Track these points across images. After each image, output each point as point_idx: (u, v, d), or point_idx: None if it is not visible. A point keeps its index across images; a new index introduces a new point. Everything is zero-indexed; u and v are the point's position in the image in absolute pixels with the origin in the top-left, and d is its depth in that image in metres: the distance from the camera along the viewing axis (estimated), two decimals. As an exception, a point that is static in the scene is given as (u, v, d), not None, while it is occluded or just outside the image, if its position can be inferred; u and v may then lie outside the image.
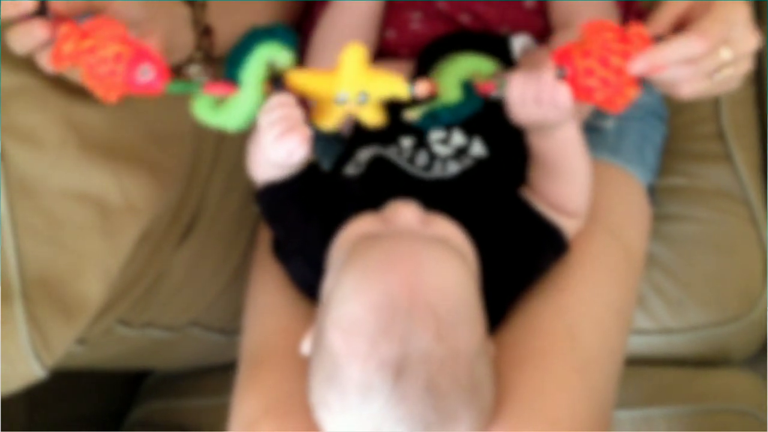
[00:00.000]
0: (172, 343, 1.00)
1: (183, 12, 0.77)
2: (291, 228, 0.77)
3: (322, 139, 0.94)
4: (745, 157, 1.10)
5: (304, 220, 0.75)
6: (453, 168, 0.78)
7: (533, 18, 0.88)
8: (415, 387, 0.61)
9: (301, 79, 0.68)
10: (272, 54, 0.68)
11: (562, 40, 0.85)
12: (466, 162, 0.78)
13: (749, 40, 0.68)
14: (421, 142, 0.79)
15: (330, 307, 0.66)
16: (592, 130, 0.93)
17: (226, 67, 0.69)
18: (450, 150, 0.78)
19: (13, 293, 0.68)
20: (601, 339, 0.77)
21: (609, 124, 0.94)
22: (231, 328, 1.02)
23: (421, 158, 0.78)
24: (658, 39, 0.67)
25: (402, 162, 0.78)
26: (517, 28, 0.87)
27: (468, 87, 0.70)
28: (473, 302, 0.67)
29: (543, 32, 0.88)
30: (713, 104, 1.12)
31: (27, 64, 0.68)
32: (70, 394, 1.15)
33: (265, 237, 0.88)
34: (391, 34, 0.90)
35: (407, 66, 0.87)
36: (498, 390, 0.69)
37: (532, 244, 0.76)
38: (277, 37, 0.68)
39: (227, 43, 0.82)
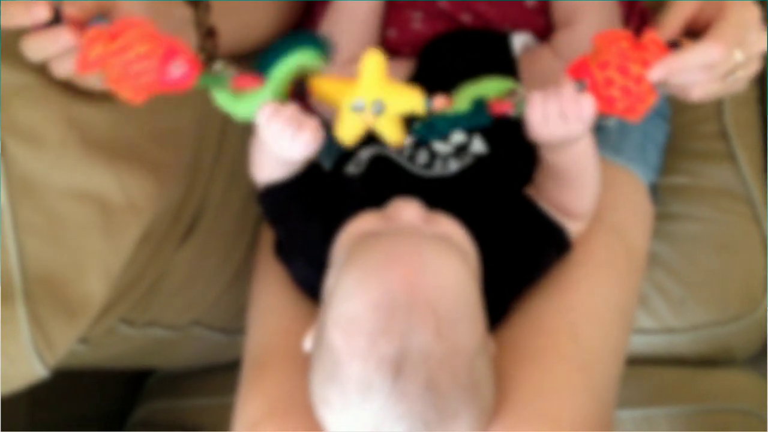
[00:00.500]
0: (174, 342, 1.00)
1: (186, 13, 0.77)
2: (293, 228, 0.77)
3: (324, 138, 0.95)
4: (748, 156, 1.10)
5: (306, 219, 0.76)
6: (454, 166, 0.78)
7: (535, 17, 0.88)
8: (415, 385, 0.61)
9: (322, 85, 0.70)
10: (306, 60, 0.70)
11: (564, 39, 0.85)
12: (467, 160, 0.78)
13: (761, 41, 0.68)
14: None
15: (331, 304, 0.66)
16: (595, 128, 0.93)
17: (260, 58, 0.70)
18: (450, 148, 0.78)
19: (14, 292, 0.67)
20: (602, 338, 0.77)
21: (611, 123, 0.94)
22: (233, 327, 1.02)
23: (422, 156, 0.78)
24: (673, 44, 0.67)
25: (402, 160, 0.78)
26: (519, 26, 0.87)
27: (479, 104, 0.70)
28: (473, 301, 0.67)
29: (544, 31, 0.88)
30: (716, 103, 1.12)
31: (28, 62, 0.68)
32: (72, 394, 1.15)
33: (266, 237, 0.88)
34: (393, 34, 0.90)
35: (408, 65, 0.87)
36: (499, 388, 0.69)
37: (535, 242, 0.76)
38: (316, 45, 0.70)
39: (231, 44, 0.82)
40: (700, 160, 1.11)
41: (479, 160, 0.78)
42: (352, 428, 0.64)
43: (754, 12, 0.67)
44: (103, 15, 0.67)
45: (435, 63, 0.86)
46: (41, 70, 0.69)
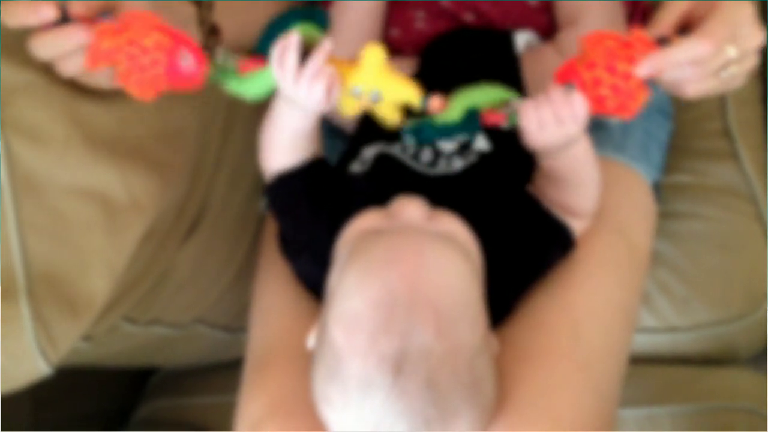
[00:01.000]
0: (177, 340, 1.00)
1: (189, 11, 0.77)
2: (300, 222, 0.77)
3: (327, 137, 0.95)
4: (751, 154, 1.10)
5: (314, 214, 0.76)
6: (458, 164, 0.78)
7: (538, 16, 0.88)
8: (415, 383, 0.61)
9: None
10: (306, 33, 0.69)
11: (567, 37, 0.85)
12: (470, 158, 0.78)
13: (754, 37, 0.68)
14: None
15: (333, 302, 0.66)
16: (597, 127, 0.93)
17: (259, 39, 0.70)
18: (454, 145, 0.78)
19: (18, 290, 0.68)
20: (605, 337, 0.77)
21: (614, 122, 0.94)
22: (236, 325, 1.02)
23: (426, 155, 0.78)
24: (662, 41, 0.67)
25: (407, 158, 0.78)
26: (522, 25, 0.88)
27: (472, 114, 0.71)
28: (475, 299, 0.67)
29: (547, 29, 0.88)
30: (719, 102, 1.12)
31: (31, 60, 0.68)
32: (76, 392, 1.15)
33: (270, 236, 0.88)
34: (396, 33, 0.90)
35: (411, 64, 0.87)
36: (501, 387, 0.69)
37: (538, 240, 0.76)
38: (314, 19, 0.70)
39: (233, 42, 0.82)
40: (703, 158, 1.11)
41: (483, 157, 0.78)
42: (354, 426, 0.64)
43: (746, 8, 0.67)
44: (109, 12, 0.67)
45: (437, 62, 0.86)
46: (45, 68, 0.69)
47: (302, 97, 0.68)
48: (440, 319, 0.62)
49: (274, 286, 0.84)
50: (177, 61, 0.67)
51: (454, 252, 0.67)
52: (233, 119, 0.95)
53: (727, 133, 1.11)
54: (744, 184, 1.09)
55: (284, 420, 0.72)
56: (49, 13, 0.64)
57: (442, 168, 0.78)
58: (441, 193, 0.73)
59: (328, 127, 0.94)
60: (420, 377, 0.61)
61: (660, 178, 0.98)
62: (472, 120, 0.71)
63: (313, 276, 0.76)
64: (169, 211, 0.84)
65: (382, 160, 0.78)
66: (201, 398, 1.17)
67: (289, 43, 0.66)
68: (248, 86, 0.70)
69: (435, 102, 0.70)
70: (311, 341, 0.71)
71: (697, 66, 0.67)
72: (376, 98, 0.69)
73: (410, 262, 0.64)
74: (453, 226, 0.71)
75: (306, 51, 0.69)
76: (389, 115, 0.71)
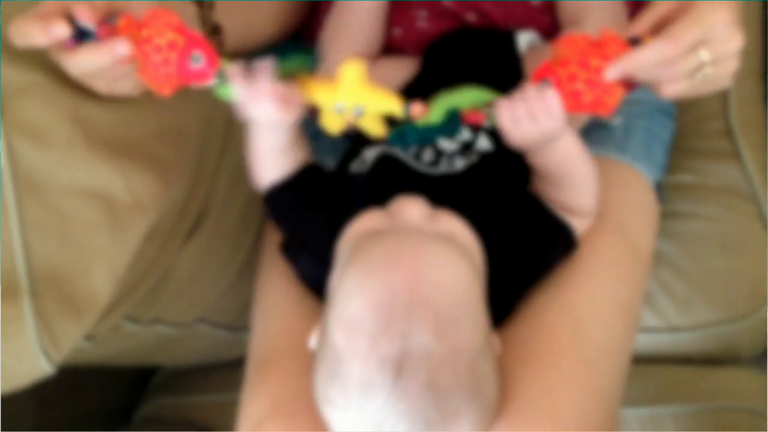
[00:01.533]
0: (179, 339, 1.00)
1: (192, 12, 0.77)
2: (298, 224, 0.78)
3: (328, 138, 0.95)
4: (753, 154, 1.10)
5: (311, 216, 0.76)
6: (459, 164, 0.78)
7: (540, 16, 0.88)
8: (416, 384, 0.61)
9: (306, 88, 0.71)
10: (295, 68, 0.72)
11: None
12: (472, 157, 0.78)
13: (731, 41, 0.68)
14: None
15: (334, 303, 0.66)
16: (600, 127, 0.93)
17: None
18: (456, 145, 0.78)
19: (20, 290, 0.68)
20: (607, 336, 0.77)
21: (616, 122, 0.94)
22: (238, 324, 1.02)
23: (428, 155, 0.78)
24: (634, 41, 0.68)
25: (408, 159, 0.78)
26: (524, 25, 0.87)
27: (453, 115, 0.72)
28: (476, 300, 0.67)
29: (550, 29, 0.88)
30: (722, 101, 1.12)
31: (34, 60, 0.68)
32: (79, 390, 1.16)
33: (271, 235, 0.88)
34: (398, 32, 0.90)
35: (413, 62, 0.87)
36: (503, 387, 0.69)
37: (540, 239, 0.76)
38: (304, 56, 0.74)
39: (235, 42, 0.82)
40: (706, 158, 1.10)
41: (485, 157, 0.78)
42: (355, 426, 0.64)
43: (721, 12, 0.66)
44: (115, 14, 0.68)
45: (439, 61, 0.86)
46: (48, 68, 0.69)
47: (257, 117, 0.70)
48: (440, 320, 0.62)
49: (276, 286, 0.84)
50: (187, 62, 0.68)
51: (454, 252, 0.67)
52: (234, 120, 0.95)
53: (729, 133, 1.11)
54: (746, 184, 1.08)
55: (286, 420, 0.72)
56: (62, 30, 0.63)
57: (443, 168, 0.78)
58: (443, 192, 0.73)
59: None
60: (421, 378, 0.61)
61: (662, 178, 0.98)
62: (452, 121, 0.72)
63: (314, 276, 0.76)
64: (171, 211, 0.84)
65: (384, 160, 0.78)
66: (203, 397, 1.17)
67: (233, 72, 0.69)
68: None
69: (416, 109, 0.71)
70: (313, 342, 0.71)
71: (667, 67, 0.67)
72: (359, 113, 0.71)
73: (410, 264, 0.64)
74: (453, 225, 0.71)
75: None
76: (374, 127, 0.72)
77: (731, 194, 1.08)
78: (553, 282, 0.78)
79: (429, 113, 0.72)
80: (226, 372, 1.06)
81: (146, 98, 0.73)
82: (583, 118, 0.86)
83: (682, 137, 1.08)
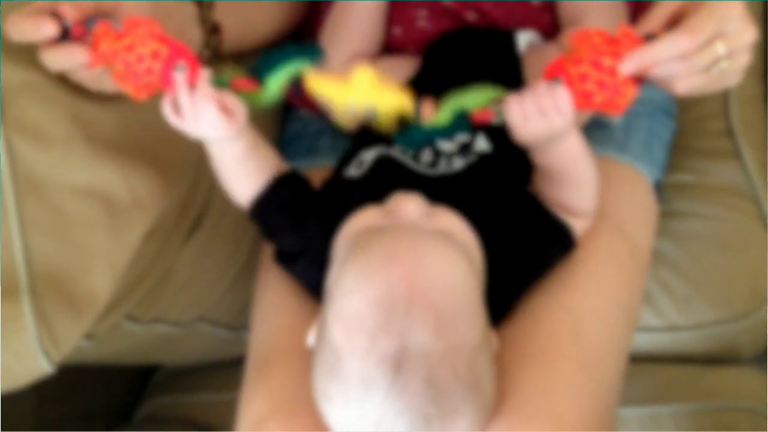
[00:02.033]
0: (179, 338, 1.00)
1: (191, 11, 0.78)
2: (289, 236, 0.77)
3: (330, 137, 0.95)
4: (753, 154, 1.10)
5: (301, 224, 0.76)
6: (458, 164, 0.78)
7: (540, 15, 0.88)
8: (415, 381, 0.62)
9: (318, 84, 0.71)
10: (300, 68, 0.71)
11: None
12: (471, 158, 0.78)
13: (745, 34, 0.67)
14: None
15: (332, 300, 0.66)
16: (600, 126, 0.93)
17: (256, 66, 0.71)
18: (454, 146, 0.78)
19: (20, 289, 0.68)
20: (606, 336, 0.77)
21: (616, 121, 0.94)
22: (238, 323, 1.03)
23: (426, 155, 0.78)
24: (649, 38, 0.67)
25: (407, 160, 0.78)
26: (524, 25, 0.87)
27: (462, 116, 0.71)
28: (474, 297, 0.67)
29: (550, 29, 0.88)
30: (722, 101, 1.12)
31: (34, 60, 0.68)
32: (80, 389, 1.16)
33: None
34: (398, 31, 0.90)
35: (413, 62, 0.87)
36: (501, 386, 0.69)
37: (539, 238, 0.76)
38: (308, 54, 0.71)
39: (235, 41, 0.82)
40: (706, 157, 1.10)
41: (483, 158, 0.78)
42: (354, 423, 0.64)
43: (734, 5, 0.66)
44: (105, 15, 0.68)
45: (439, 61, 0.86)
46: (47, 68, 0.69)
47: (203, 133, 0.70)
48: (439, 317, 0.62)
49: (276, 285, 0.84)
50: (171, 73, 0.67)
51: (452, 250, 0.67)
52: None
53: (729, 133, 1.11)
54: (746, 184, 1.08)
55: (286, 419, 0.72)
56: (50, 30, 0.65)
57: (442, 168, 0.78)
58: (442, 192, 0.73)
59: (331, 129, 0.94)
60: (419, 376, 0.62)
61: (662, 177, 0.98)
62: (462, 120, 0.71)
63: (313, 279, 0.76)
64: (171, 210, 0.84)
65: (383, 162, 0.78)
66: (203, 396, 1.17)
67: (168, 99, 0.68)
68: None
69: (427, 108, 0.71)
70: (311, 339, 0.71)
71: (683, 61, 0.67)
72: (371, 113, 0.70)
73: (408, 261, 0.64)
74: (451, 222, 0.71)
75: (296, 79, 0.71)
76: (384, 123, 0.72)
77: (731, 194, 1.08)
78: (551, 281, 0.78)
79: (438, 114, 0.71)
80: (227, 371, 1.06)
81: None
82: (585, 117, 0.86)
83: (682, 137, 1.08)
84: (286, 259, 0.80)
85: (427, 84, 0.82)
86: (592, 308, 0.77)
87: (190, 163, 0.85)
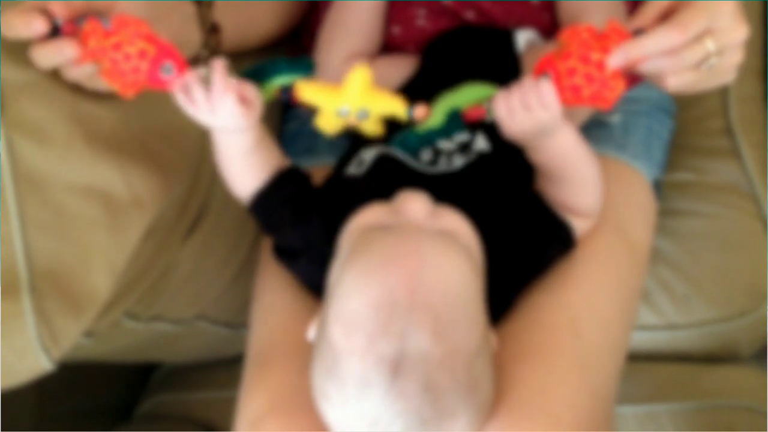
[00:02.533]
0: (179, 336, 1.00)
1: (190, 10, 0.78)
2: (290, 231, 0.77)
3: (327, 137, 0.95)
4: (752, 152, 1.10)
5: (303, 221, 0.76)
6: (458, 162, 0.78)
7: (540, 14, 0.88)
8: (413, 384, 0.61)
9: (308, 91, 0.71)
10: (290, 81, 0.72)
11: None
12: (471, 157, 0.78)
13: (736, 31, 0.67)
14: None
15: (333, 299, 0.66)
16: (599, 125, 0.93)
17: (247, 75, 0.71)
18: (453, 145, 0.78)
19: (20, 287, 0.68)
20: (603, 334, 0.77)
21: (615, 119, 0.94)
22: (238, 321, 1.03)
23: (426, 154, 0.78)
24: (638, 33, 0.67)
25: (407, 158, 0.78)
26: (524, 24, 0.88)
27: (454, 115, 0.72)
28: (476, 301, 0.67)
29: (550, 28, 0.88)
30: (721, 100, 1.12)
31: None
32: (80, 386, 1.16)
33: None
34: (397, 30, 0.90)
35: (412, 61, 0.87)
36: (498, 385, 0.69)
37: (538, 236, 0.76)
38: (300, 69, 0.72)
39: (234, 40, 0.82)
40: (705, 156, 1.10)
41: (482, 156, 0.78)
42: (351, 422, 0.64)
43: (725, 2, 0.66)
44: (99, 14, 0.68)
45: (439, 60, 0.86)
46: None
47: (219, 122, 0.69)
48: (439, 321, 0.62)
49: (276, 283, 0.84)
50: (157, 72, 0.68)
51: (455, 252, 0.67)
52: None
53: (728, 131, 1.11)
54: (745, 182, 1.08)
55: (284, 417, 0.73)
56: (40, 27, 0.66)
57: (442, 166, 0.78)
58: (442, 190, 0.73)
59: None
60: (417, 379, 0.61)
61: (661, 176, 0.98)
62: (455, 120, 0.72)
63: (312, 277, 0.76)
64: (171, 208, 0.84)
65: (383, 160, 0.78)
66: (203, 393, 1.17)
67: (187, 79, 0.68)
68: None
69: (419, 111, 0.72)
70: (311, 334, 0.71)
71: (672, 57, 0.67)
72: (363, 116, 0.71)
73: (411, 263, 0.64)
74: (456, 222, 0.70)
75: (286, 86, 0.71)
76: (373, 129, 0.73)
77: (731, 192, 1.08)
78: (550, 280, 0.78)
79: (431, 116, 0.72)
80: (227, 369, 1.06)
81: (145, 96, 0.73)
82: (583, 115, 0.86)
83: (681, 135, 1.08)
84: (285, 255, 0.80)
85: (426, 83, 0.82)
86: (590, 307, 0.78)
87: (189, 161, 0.86)
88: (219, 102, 0.68)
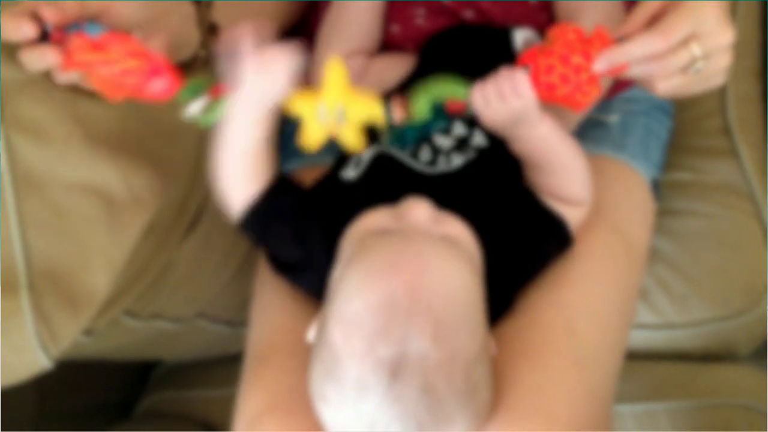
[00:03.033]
0: (178, 334, 1.00)
1: (189, 10, 0.78)
2: (289, 245, 0.76)
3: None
4: (750, 152, 1.10)
5: (303, 235, 0.75)
6: (457, 161, 0.78)
7: (538, 14, 0.88)
8: (411, 388, 0.62)
9: (290, 100, 0.71)
10: None
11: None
12: (469, 154, 0.78)
13: (722, 35, 0.68)
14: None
15: (334, 300, 0.66)
16: (597, 125, 0.93)
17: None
18: (452, 141, 0.79)
19: (19, 285, 0.68)
20: (600, 334, 0.77)
21: (613, 119, 0.94)
22: (237, 319, 1.03)
23: (425, 153, 0.78)
24: (621, 40, 0.68)
25: (406, 158, 0.78)
26: (522, 23, 0.87)
27: (438, 108, 0.73)
28: (476, 306, 0.67)
29: (547, 27, 0.88)
30: (719, 100, 1.12)
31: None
32: (80, 384, 1.17)
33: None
34: (396, 29, 0.90)
35: (410, 59, 0.87)
36: (496, 384, 0.69)
37: (535, 233, 0.76)
38: None
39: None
40: (703, 156, 1.10)
41: (481, 153, 0.78)
42: (348, 424, 0.64)
43: (710, 6, 0.67)
44: (93, 18, 0.68)
45: (436, 58, 0.86)
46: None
47: (268, 78, 0.68)
48: (439, 326, 0.62)
49: (275, 282, 0.84)
50: (146, 86, 0.69)
51: (457, 258, 0.67)
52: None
53: (727, 131, 1.11)
54: (743, 182, 1.08)
55: (283, 415, 0.73)
56: (29, 31, 0.67)
57: (441, 166, 0.78)
58: (441, 192, 0.73)
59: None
60: (416, 383, 0.62)
61: (659, 176, 0.98)
62: (439, 113, 0.73)
63: (314, 287, 0.76)
64: (170, 207, 0.84)
65: (381, 160, 0.78)
66: (203, 391, 1.18)
67: (239, 34, 0.67)
68: (217, 114, 0.71)
69: (397, 111, 0.72)
70: (311, 335, 0.71)
71: (656, 62, 0.68)
72: (341, 117, 0.71)
73: (413, 268, 0.64)
74: (457, 229, 0.71)
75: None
76: (352, 139, 0.72)
77: (729, 192, 1.08)
78: (547, 279, 0.78)
79: (413, 109, 0.72)
80: (227, 366, 1.06)
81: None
82: (578, 117, 0.87)
83: (679, 135, 1.08)
84: (284, 267, 0.79)
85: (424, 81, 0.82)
86: (587, 306, 0.78)
87: (188, 159, 0.86)
88: (273, 58, 0.67)
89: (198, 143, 0.88)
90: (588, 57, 0.69)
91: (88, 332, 0.84)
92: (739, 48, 0.71)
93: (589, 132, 0.90)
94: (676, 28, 0.66)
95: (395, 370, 0.61)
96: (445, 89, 0.72)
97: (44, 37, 0.68)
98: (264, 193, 0.74)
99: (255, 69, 0.67)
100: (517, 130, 0.73)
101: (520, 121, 0.71)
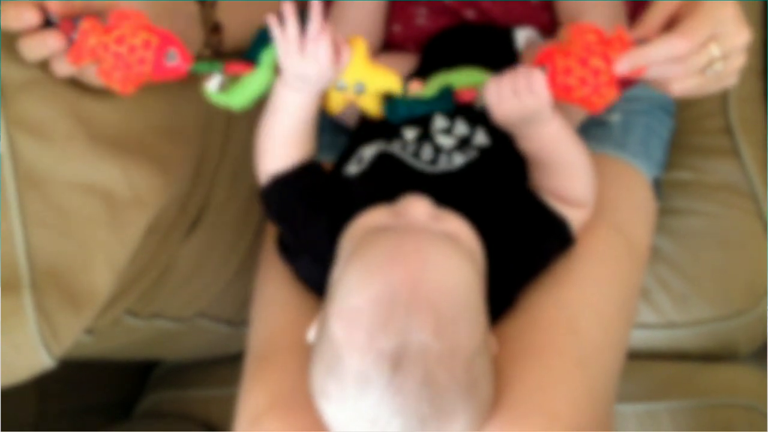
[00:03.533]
0: (179, 333, 1.00)
1: (192, 10, 0.78)
2: (299, 226, 0.77)
3: (329, 134, 0.95)
4: (752, 152, 1.10)
5: (313, 218, 0.76)
6: (458, 160, 0.78)
7: (539, 13, 0.88)
8: (412, 381, 0.62)
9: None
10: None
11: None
12: (471, 153, 0.78)
13: (739, 35, 0.68)
14: (425, 134, 0.79)
15: (334, 296, 0.67)
16: (598, 124, 0.93)
17: (250, 47, 0.73)
18: (454, 140, 0.79)
19: (21, 284, 0.68)
20: (602, 333, 0.77)
21: (615, 118, 0.94)
22: (238, 319, 1.03)
23: (426, 152, 0.79)
24: (641, 42, 0.68)
25: (407, 157, 0.78)
26: (523, 23, 0.88)
27: (446, 92, 0.73)
28: (476, 301, 0.67)
29: (549, 27, 0.89)
30: (721, 99, 1.12)
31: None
32: (81, 384, 1.17)
33: (271, 231, 0.89)
34: (397, 29, 0.90)
35: (412, 59, 0.87)
36: (497, 383, 0.69)
37: (537, 232, 0.77)
38: None
39: (236, 40, 0.82)
40: (704, 155, 1.11)
41: (483, 152, 0.78)
42: (350, 420, 0.64)
43: (728, 7, 0.67)
44: (97, 14, 0.68)
45: (438, 58, 0.86)
46: (48, 65, 0.70)
47: (310, 64, 0.69)
48: (440, 318, 0.62)
49: (276, 281, 0.84)
50: (163, 60, 0.69)
51: (457, 253, 0.67)
52: (236, 114, 0.95)
53: (728, 131, 1.11)
54: (745, 182, 1.09)
55: (284, 414, 0.73)
56: (32, 18, 0.66)
57: (443, 165, 0.78)
58: (442, 190, 0.73)
59: (331, 124, 0.94)
60: (417, 376, 0.62)
61: (661, 175, 0.98)
62: (446, 97, 0.73)
63: (314, 277, 0.77)
64: (171, 206, 0.84)
65: (383, 158, 0.78)
66: (204, 391, 1.18)
67: (286, 12, 0.68)
68: (234, 97, 0.73)
69: (414, 86, 0.73)
70: (311, 334, 0.71)
71: (678, 63, 0.68)
72: (360, 90, 0.72)
73: (413, 261, 0.64)
74: (458, 226, 0.71)
75: None
76: (371, 107, 0.74)
77: (730, 191, 1.08)
78: (549, 279, 0.78)
79: (425, 88, 0.73)
80: (227, 366, 1.07)
81: (147, 94, 0.73)
82: (581, 114, 0.87)
83: (681, 134, 1.08)
84: (288, 252, 0.80)
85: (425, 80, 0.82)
86: (588, 305, 0.78)
87: (190, 159, 0.86)
88: (314, 42, 0.68)
89: (200, 142, 0.88)
90: (608, 59, 0.68)
91: (89, 331, 0.84)
92: (739, 48, 0.72)
93: (590, 131, 0.90)
94: (698, 29, 0.66)
95: (396, 363, 0.62)
96: (464, 77, 0.73)
97: (48, 26, 0.67)
98: (294, 169, 0.77)
99: (295, 49, 0.69)
100: (526, 128, 0.73)
101: (531, 120, 0.72)
